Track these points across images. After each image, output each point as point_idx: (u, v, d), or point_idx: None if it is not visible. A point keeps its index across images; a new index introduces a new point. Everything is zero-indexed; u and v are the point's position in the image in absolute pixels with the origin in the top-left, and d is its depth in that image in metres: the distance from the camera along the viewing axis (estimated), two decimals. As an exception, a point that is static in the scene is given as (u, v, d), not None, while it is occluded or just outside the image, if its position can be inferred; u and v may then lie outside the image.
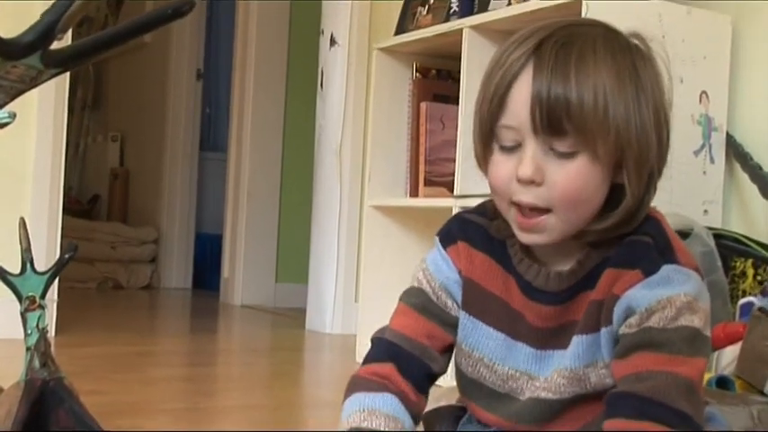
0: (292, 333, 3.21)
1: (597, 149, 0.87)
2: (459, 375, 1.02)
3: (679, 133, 1.91)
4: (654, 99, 0.91)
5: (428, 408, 1.11)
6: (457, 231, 1.02)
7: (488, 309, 0.98)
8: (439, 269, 1.01)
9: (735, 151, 1.92)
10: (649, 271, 0.89)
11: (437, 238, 1.03)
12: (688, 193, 1.87)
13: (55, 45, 0.89)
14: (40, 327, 1.18)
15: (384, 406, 0.94)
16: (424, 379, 0.99)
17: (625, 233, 0.92)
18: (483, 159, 0.94)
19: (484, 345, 0.98)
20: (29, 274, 1.20)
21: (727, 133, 1.94)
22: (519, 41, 0.91)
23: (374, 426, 0.91)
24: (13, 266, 1.20)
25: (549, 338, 0.95)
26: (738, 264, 1.70)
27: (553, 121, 0.86)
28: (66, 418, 1.14)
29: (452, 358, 1.02)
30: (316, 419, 1.83)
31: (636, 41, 0.94)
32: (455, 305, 1.00)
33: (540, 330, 0.95)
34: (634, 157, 0.88)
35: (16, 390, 1.16)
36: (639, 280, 0.89)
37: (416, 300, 1.01)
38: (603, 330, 0.91)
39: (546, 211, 0.90)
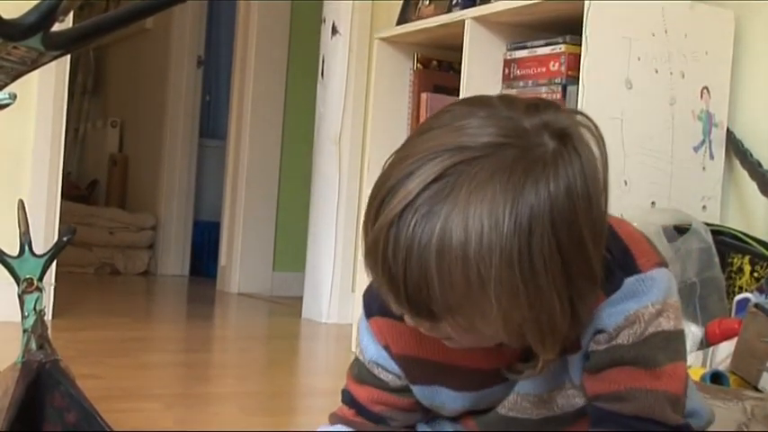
0: (288, 322, 3.22)
1: (484, 325, 0.75)
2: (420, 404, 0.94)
3: (679, 129, 1.93)
4: (567, 237, 0.72)
5: None
6: (373, 302, 0.87)
7: (449, 376, 0.89)
8: (366, 344, 0.91)
9: (735, 148, 1.92)
10: (611, 290, 0.81)
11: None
12: (687, 189, 1.87)
13: (56, 27, 0.89)
14: (38, 309, 1.18)
15: None
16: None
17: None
18: None
19: (451, 402, 0.91)
20: (27, 256, 1.20)
21: (728, 129, 1.94)
22: (397, 187, 0.73)
23: None
24: (12, 249, 1.20)
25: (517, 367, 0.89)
26: (736, 260, 1.70)
27: (421, 311, 0.74)
28: (61, 399, 1.14)
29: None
30: (309, 408, 1.83)
31: (551, 148, 0.73)
32: (395, 376, 0.91)
33: (510, 365, 0.88)
34: (532, 327, 0.75)
35: (13, 371, 1.17)
36: (602, 300, 0.81)
37: (357, 370, 0.94)
38: (570, 357, 0.84)
39: None
